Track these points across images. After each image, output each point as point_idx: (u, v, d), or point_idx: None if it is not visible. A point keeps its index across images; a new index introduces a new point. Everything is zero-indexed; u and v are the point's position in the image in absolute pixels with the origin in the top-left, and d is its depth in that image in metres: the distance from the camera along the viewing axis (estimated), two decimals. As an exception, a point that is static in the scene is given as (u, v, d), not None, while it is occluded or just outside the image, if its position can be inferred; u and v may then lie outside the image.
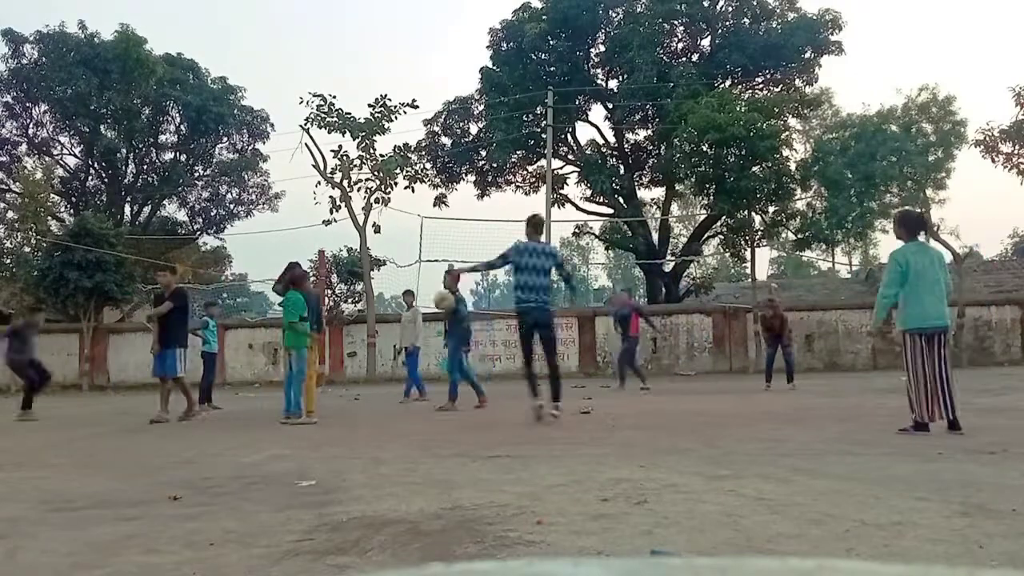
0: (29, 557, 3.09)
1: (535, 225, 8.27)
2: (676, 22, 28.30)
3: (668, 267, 29.69)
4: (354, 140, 22.14)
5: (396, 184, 22.59)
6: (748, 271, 24.01)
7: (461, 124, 30.52)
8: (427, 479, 4.58)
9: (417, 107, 23.08)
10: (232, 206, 32.61)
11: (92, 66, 27.78)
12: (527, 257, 7.88)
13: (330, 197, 22.01)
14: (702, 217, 29.10)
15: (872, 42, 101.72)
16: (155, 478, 5.06)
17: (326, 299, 22.33)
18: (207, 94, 30.29)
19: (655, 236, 29.51)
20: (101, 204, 29.63)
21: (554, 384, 7.96)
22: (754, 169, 22.60)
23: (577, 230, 33.51)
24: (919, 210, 8.46)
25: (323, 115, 21.91)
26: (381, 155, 22.27)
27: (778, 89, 27.69)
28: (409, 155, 23.74)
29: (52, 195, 28.15)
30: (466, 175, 30.81)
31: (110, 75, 27.99)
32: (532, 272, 7.88)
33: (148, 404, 14.65)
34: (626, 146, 30.18)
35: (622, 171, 29.29)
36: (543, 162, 28.75)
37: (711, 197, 23.97)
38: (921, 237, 6.48)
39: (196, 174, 31.91)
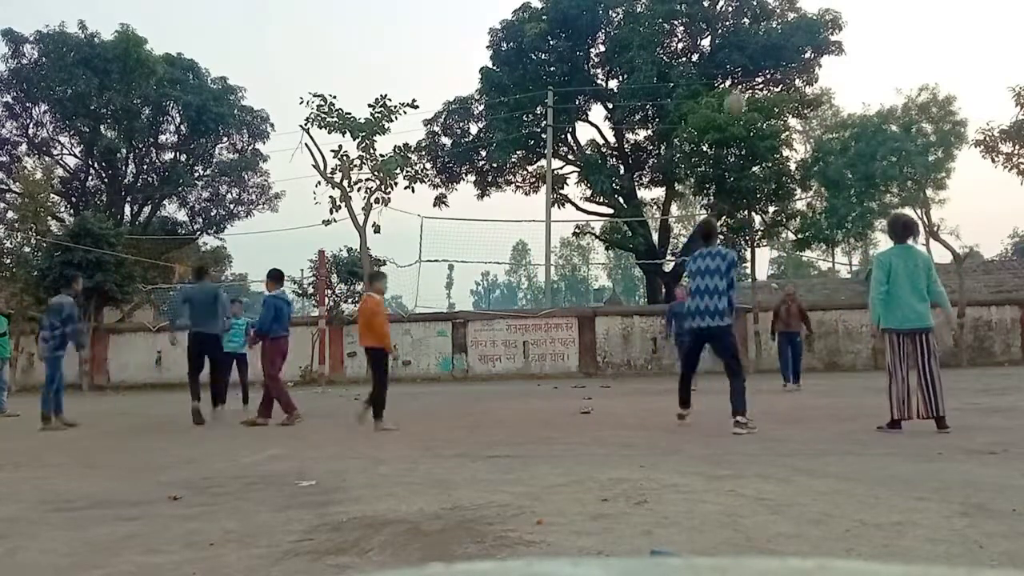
0: (29, 557, 3.09)
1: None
2: (676, 22, 28.28)
3: (668, 267, 29.67)
4: (354, 140, 22.10)
5: (396, 184, 22.53)
6: (748, 271, 23.95)
7: (461, 124, 30.50)
8: (427, 479, 4.58)
9: (417, 107, 23.05)
10: (232, 206, 32.58)
11: (92, 66, 27.75)
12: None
13: (330, 197, 21.94)
14: (702, 217, 29.09)
15: (872, 42, 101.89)
16: (155, 478, 5.06)
17: (326, 299, 22.31)
18: (207, 94, 30.25)
19: (655, 236, 29.50)
20: (101, 204, 29.58)
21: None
22: (754, 169, 22.56)
23: (577, 230, 33.55)
24: (909, 214, 8.51)
25: (323, 115, 21.86)
26: (381, 155, 22.22)
27: (778, 89, 27.66)
28: (409, 155, 23.69)
29: (52, 195, 28.10)
30: (466, 175, 30.79)
31: (110, 75, 27.96)
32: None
33: (148, 404, 14.67)
34: (626, 146, 30.17)
35: (622, 171, 29.27)
36: (543, 162, 28.74)
37: (711, 197, 23.95)
38: (909, 240, 6.59)
39: (196, 174, 31.85)
